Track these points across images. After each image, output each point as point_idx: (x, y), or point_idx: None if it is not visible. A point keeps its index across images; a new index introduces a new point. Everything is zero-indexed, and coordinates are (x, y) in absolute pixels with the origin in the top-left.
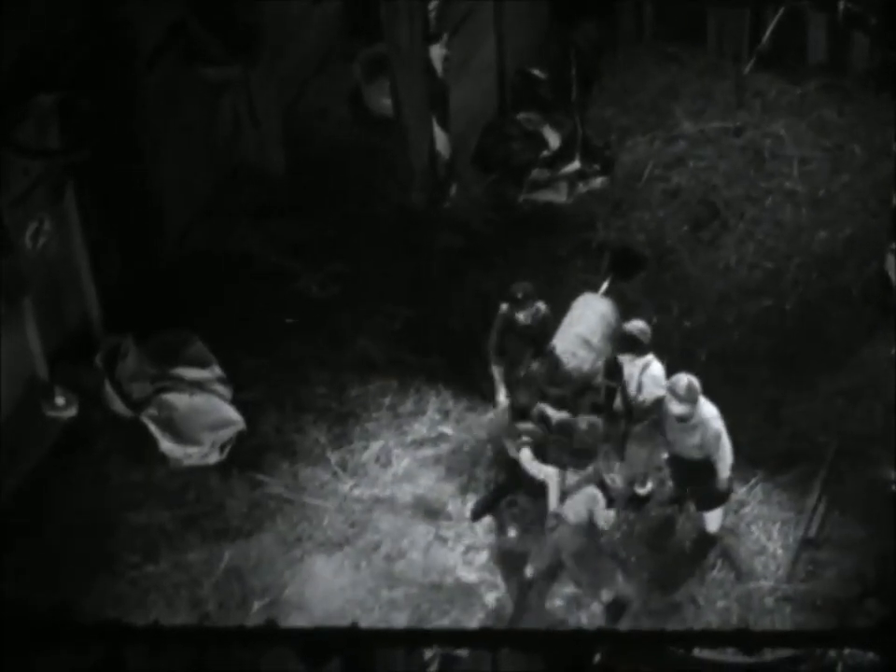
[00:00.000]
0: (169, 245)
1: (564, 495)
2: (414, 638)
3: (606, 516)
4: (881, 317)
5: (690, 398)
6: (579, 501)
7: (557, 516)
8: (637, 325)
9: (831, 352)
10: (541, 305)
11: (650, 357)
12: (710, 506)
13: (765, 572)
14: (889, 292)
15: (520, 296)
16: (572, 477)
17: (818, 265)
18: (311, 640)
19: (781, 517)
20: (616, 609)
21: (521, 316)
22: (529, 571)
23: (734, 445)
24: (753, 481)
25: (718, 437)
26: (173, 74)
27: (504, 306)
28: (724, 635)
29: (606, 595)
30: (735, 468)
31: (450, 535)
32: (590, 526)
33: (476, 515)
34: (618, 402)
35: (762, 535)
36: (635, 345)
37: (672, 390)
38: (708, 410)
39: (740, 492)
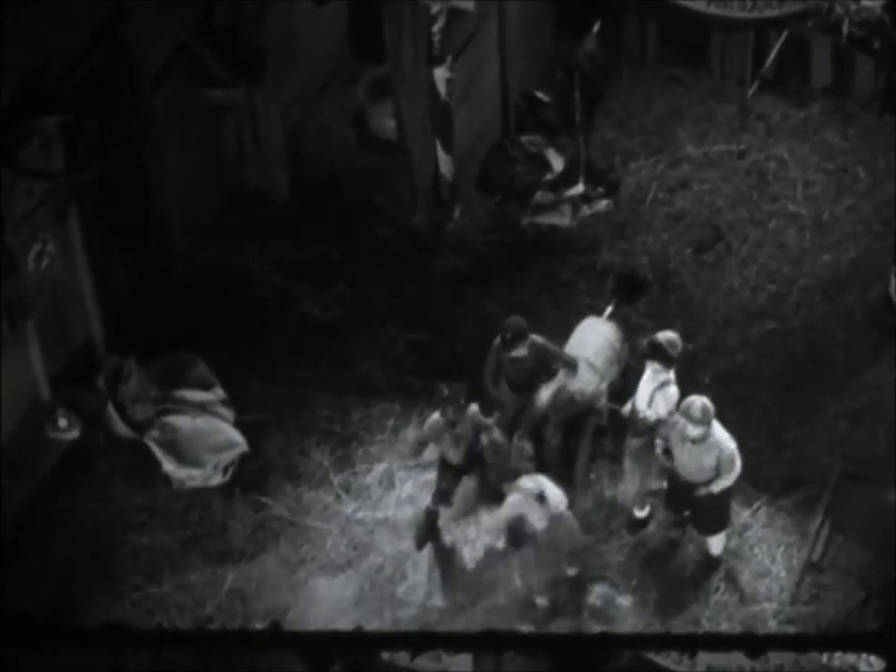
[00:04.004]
0: (173, 265)
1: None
2: (418, 642)
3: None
4: (885, 340)
5: (705, 419)
6: (555, 496)
7: (561, 517)
8: (666, 335)
9: (834, 375)
10: (536, 339)
11: (671, 376)
12: (713, 530)
13: (769, 595)
14: (893, 315)
15: (509, 336)
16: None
17: (821, 288)
18: (314, 643)
19: (785, 540)
20: (579, 581)
21: (512, 354)
22: (518, 581)
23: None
24: (757, 504)
25: (733, 458)
26: (177, 95)
27: (497, 340)
28: (729, 638)
29: (571, 572)
30: (738, 490)
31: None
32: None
33: (421, 544)
34: (627, 408)
35: (765, 558)
36: (659, 354)
37: (686, 413)
38: (722, 431)
39: (744, 515)
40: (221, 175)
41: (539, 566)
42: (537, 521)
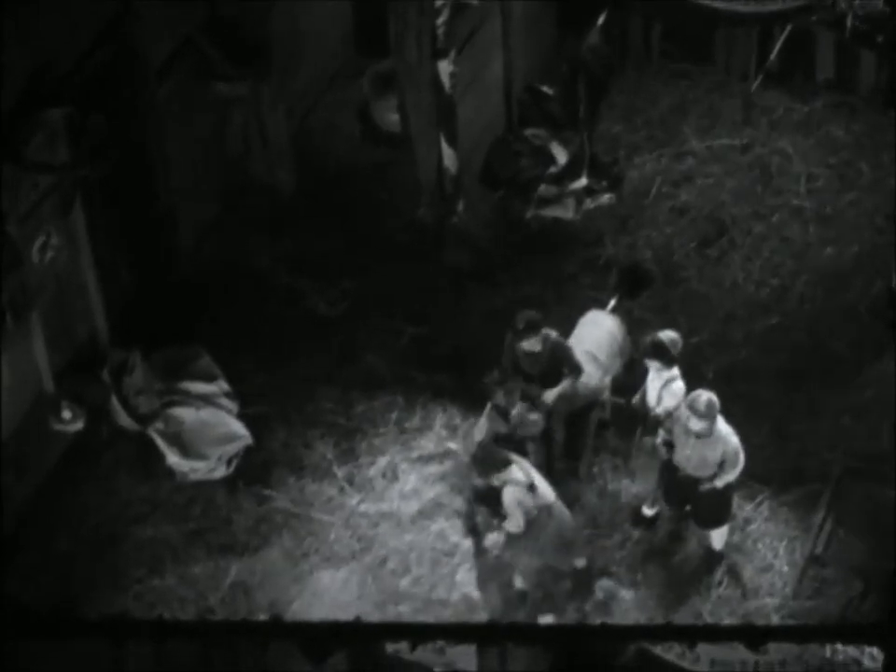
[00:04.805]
0: (177, 259)
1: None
2: (419, 632)
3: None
4: (888, 334)
5: (710, 414)
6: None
7: (549, 508)
8: (668, 334)
9: (838, 369)
10: (551, 333)
11: (676, 372)
12: (714, 524)
13: (771, 589)
14: None
15: (521, 326)
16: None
17: (824, 282)
18: (315, 634)
19: (788, 534)
20: (588, 573)
21: (524, 346)
22: (519, 582)
23: None
24: (760, 498)
25: (737, 453)
26: (183, 89)
27: (510, 332)
28: (729, 629)
29: (580, 563)
30: (741, 485)
31: (456, 550)
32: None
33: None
34: (636, 400)
35: (768, 552)
36: (661, 353)
37: (692, 406)
38: (726, 426)
39: (747, 509)
40: (226, 170)
41: (531, 557)
42: (529, 508)
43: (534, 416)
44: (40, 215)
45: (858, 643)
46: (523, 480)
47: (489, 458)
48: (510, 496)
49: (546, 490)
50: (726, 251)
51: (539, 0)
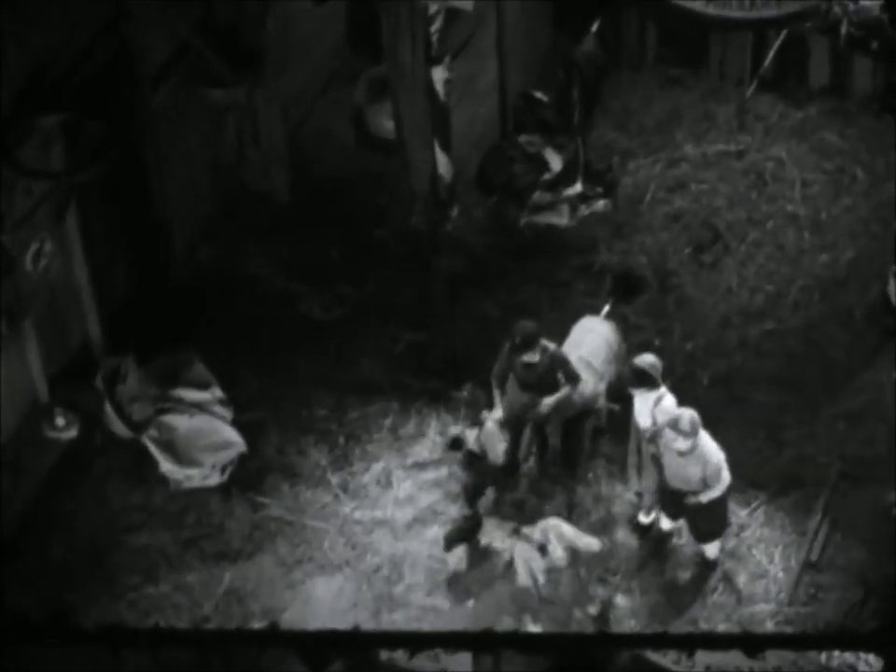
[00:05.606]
0: (172, 265)
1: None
2: (416, 641)
3: None
4: (883, 340)
5: (693, 431)
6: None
7: (559, 573)
8: (647, 359)
9: (833, 375)
10: (549, 345)
11: (662, 390)
12: (708, 537)
13: (767, 595)
14: (892, 315)
15: (518, 341)
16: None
17: (819, 288)
18: (312, 643)
19: (783, 540)
20: (604, 619)
21: (526, 360)
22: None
23: (736, 468)
24: (755, 503)
25: (719, 470)
26: (178, 95)
27: (508, 345)
28: (727, 637)
29: (593, 609)
30: (735, 490)
31: (451, 557)
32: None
33: (449, 545)
34: (632, 422)
35: (763, 558)
36: (645, 380)
37: (676, 427)
38: (709, 442)
39: (742, 515)
40: (221, 176)
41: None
42: (536, 571)
43: None
44: (34, 222)
45: (857, 651)
46: (536, 539)
47: (522, 508)
48: (516, 551)
49: (559, 557)
50: (721, 257)
51: (534, 6)
